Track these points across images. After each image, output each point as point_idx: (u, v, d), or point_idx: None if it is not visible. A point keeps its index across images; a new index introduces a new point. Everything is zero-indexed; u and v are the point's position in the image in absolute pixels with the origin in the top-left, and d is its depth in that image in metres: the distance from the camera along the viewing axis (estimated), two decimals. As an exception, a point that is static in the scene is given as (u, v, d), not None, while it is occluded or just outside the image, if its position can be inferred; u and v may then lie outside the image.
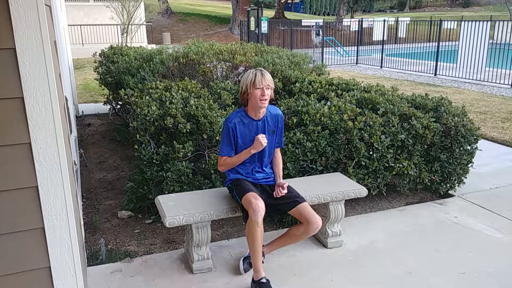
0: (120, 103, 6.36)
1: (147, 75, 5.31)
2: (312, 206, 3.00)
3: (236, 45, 5.98)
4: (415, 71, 13.89)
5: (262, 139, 2.88)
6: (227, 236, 3.62)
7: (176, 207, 2.96)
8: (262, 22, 18.09)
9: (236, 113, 3.02)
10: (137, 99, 4.21)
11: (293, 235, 3.02)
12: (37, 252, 1.92)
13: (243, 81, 2.93)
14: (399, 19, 17.46)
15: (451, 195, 4.39)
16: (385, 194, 4.19)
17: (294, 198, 2.94)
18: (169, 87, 4.43)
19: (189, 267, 3.09)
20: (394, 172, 3.94)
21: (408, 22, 17.12)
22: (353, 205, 4.18)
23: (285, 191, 2.94)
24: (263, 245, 2.93)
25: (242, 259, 3.08)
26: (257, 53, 5.94)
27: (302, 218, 2.90)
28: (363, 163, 3.80)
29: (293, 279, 2.99)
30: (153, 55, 6.08)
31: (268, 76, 2.89)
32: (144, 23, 19.70)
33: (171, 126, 3.74)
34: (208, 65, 5.29)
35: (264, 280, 2.78)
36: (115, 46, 7.75)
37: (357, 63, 16.74)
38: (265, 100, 2.86)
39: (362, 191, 3.34)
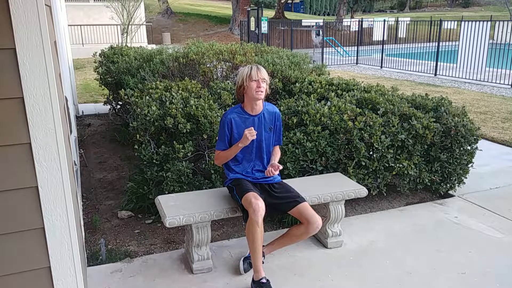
0: (120, 103, 6.36)
1: (147, 75, 5.31)
2: (312, 206, 3.00)
3: (236, 45, 5.96)
4: (415, 71, 13.89)
5: (249, 133, 2.83)
6: (227, 236, 3.62)
7: (176, 207, 2.96)
8: (262, 22, 18.08)
9: (233, 109, 3.06)
10: (137, 99, 4.21)
11: (293, 235, 3.02)
12: (37, 252, 1.92)
13: (239, 76, 2.98)
14: (399, 19, 17.47)
15: (451, 195, 4.39)
16: (385, 194, 4.19)
17: (294, 198, 2.95)
18: (169, 87, 4.43)
19: (189, 267, 3.09)
20: (394, 172, 3.94)
21: (408, 22, 17.13)
22: (353, 205, 4.18)
23: (277, 172, 2.95)
24: (263, 245, 2.93)
25: (242, 259, 3.08)
26: (257, 53, 5.93)
27: (302, 218, 2.90)
28: (363, 163, 3.80)
29: (293, 279, 2.99)
30: (153, 55, 6.08)
31: (263, 70, 2.95)
32: (144, 23, 19.69)
33: (171, 126, 3.75)
34: (208, 65, 5.28)
35: (264, 280, 2.78)
36: (115, 46, 7.74)
37: (357, 63, 16.73)
38: (261, 92, 2.90)
39: (362, 191, 3.34)
